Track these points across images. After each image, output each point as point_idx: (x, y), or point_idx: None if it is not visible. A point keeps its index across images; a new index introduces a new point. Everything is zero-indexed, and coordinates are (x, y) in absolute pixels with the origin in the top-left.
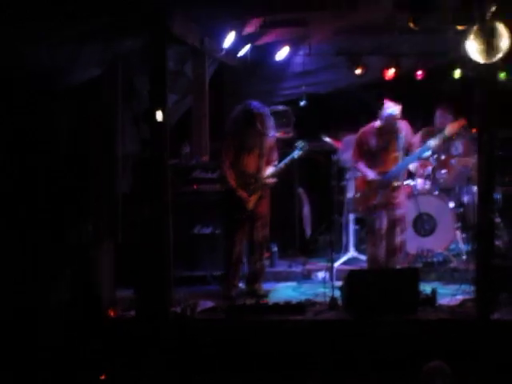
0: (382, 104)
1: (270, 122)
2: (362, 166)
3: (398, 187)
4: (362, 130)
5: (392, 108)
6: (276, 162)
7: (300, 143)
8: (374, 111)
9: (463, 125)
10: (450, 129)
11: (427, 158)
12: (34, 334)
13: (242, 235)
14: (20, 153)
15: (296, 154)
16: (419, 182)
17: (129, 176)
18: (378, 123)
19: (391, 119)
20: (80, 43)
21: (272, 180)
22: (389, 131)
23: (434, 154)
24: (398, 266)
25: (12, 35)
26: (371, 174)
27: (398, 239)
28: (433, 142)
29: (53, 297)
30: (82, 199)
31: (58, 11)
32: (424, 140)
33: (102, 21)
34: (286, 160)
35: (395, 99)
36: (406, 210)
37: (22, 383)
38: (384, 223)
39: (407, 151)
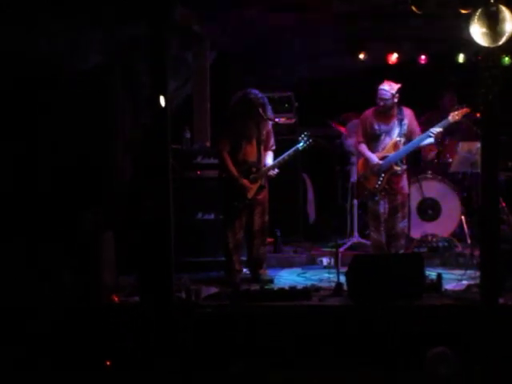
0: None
1: (270, 109)
2: (363, 148)
3: (398, 172)
4: (365, 112)
5: (384, 84)
6: (274, 147)
7: (305, 136)
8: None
9: (466, 112)
10: (453, 116)
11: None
12: (35, 321)
13: (241, 222)
14: (20, 141)
15: (300, 146)
16: (423, 167)
17: (130, 162)
18: (377, 105)
19: (383, 95)
20: (81, 31)
21: (274, 171)
22: (387, 112)
23: (436, 141)
24: (402, 251)
25: (10, 21)
26: (372, 158)
27: (401, 225)
28: (435, 130)
29: (54, 283)
30: (82, 186)
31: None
32: (427, 124)
33: (102, 8)
34: (290, 152)
35: (397, 82)
36: (408, 195)
37: (26, 368)
38: (386, 208)
39: (409, 138)
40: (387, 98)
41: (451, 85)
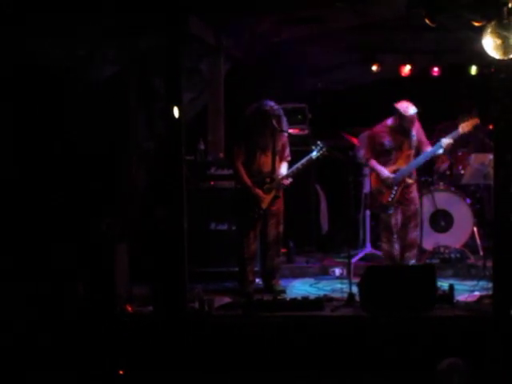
0: (395, 103)
1: (285, 120)
2: (374, 164)
3: (411, 184)
4: (374, 128)
5: (411, 107)
6: (289, 158)
7: (318, 144)
8: (390, 107)
9: (476, 123)
10: (463, 128)
11: (442, 155)
12: (49, 330)
13: (255, 233)
14: (35, 150)
15: (314, 155)
16: (436, 179)
17: (144, 173)
18: (391, 122)
19: (413, 118)
20: (96, 41)
21: (288, 181)
22: (403, 130)
23: (446, 152)
24: (414, 262)
25: (28, 31)
26: (383, 171)
27: (413, 234)
28: (446, 141)
29: (68, 294)
30: (96, 197)
31: (74, 7)
32: (440, 136)
33: (118, 19)
34: (304, 161)
35: (411, 95)
36: (419, 205)
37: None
38: (398, 219)
39: (418, 149)
40: (413, 119)
41: (469, 99)
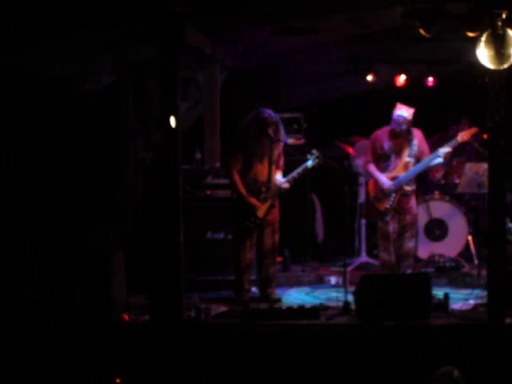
0: (394, 107)
1: (282, 129)
2: (372, 168)
3: (408, 193)
4: (376, 132)
5: (402, 110)
6: (283, 167)
7: (314, 153)
8: (385, 117)
9: (475, 132)
10: (462, 136)
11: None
12: (46, 338)
13: (251, 242)
14: (32, 159)
15: (309, 164)
16: (431, 188)
17: (140, 182)
18: (390, 126)
19: (401, 121)
20: (93, 52)
21: (285, 185)
22: (401, 135)
23: (444, 161)
24: (410, 271)
25: (24, 43)
26: (383, 180)
27: (409, 244)
28: (444, 150)
29: (64, 301)
30: (93, 205)
31: (71, 20)
32: (437, 145)
33: (114, 30)
34: (299, 169)
35: (407, 104)
36: (417, 215)
37: None
38: (395, 228)
39: (418, 159)
40: (404, 123)
41: (464, 109)
